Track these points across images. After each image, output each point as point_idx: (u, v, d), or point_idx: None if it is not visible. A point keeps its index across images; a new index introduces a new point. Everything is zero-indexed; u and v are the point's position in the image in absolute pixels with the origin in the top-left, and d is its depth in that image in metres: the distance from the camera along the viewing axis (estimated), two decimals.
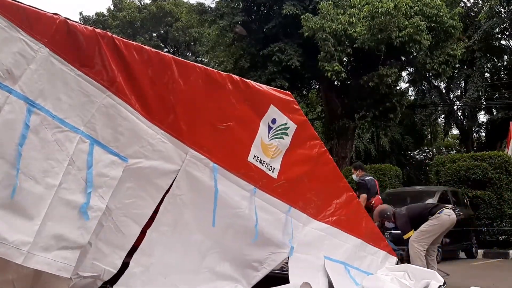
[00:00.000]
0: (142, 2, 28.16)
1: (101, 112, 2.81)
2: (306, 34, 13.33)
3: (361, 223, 4.92)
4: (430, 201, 9.06)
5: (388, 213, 5.82)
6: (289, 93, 4.35)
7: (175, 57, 3.34)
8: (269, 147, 3.95)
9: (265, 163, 3.89)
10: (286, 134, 4.11)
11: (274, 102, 4.00)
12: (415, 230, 5.61)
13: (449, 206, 5.81)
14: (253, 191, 3.78)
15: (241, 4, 15.70)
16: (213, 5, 16.99)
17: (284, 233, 4.05)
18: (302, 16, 13.45)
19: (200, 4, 17.49)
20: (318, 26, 13.04)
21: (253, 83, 3.94)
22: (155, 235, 3.21)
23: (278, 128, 4.04)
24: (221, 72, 3.67)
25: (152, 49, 3.19)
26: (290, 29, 14.54)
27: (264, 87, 4.08)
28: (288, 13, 13.82)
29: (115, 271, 2.98)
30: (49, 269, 2.53)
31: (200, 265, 3.53)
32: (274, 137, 4.00)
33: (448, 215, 5.55)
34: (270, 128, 3.97)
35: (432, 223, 5.50)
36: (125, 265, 3.11)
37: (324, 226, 4.42)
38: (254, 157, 3.80)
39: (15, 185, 2.35)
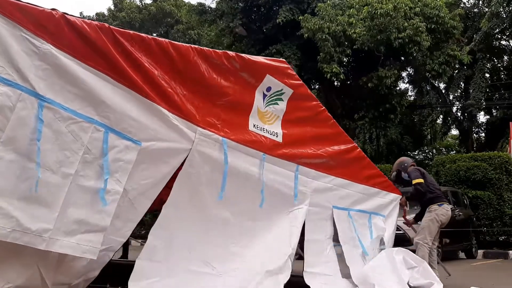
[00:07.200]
0: (142, 3, 28.19)
1: (111, 100, 2.89)
2: (306, 35, 13.34)
3: (364, 170, 5.22)
4: None
5: (406, 164, 6.02)
6: (284, 60, 4.48)
7: (171, 41, 3.41)
8: (265, 114, 4.11)
9: (265, 129, 4.06)
10: (281, 100, 4.26)
11: (270, 72, 4.12)
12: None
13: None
14: (262, 157, 3.94)
15: (241, 5, 15.71)
16: (213, 5, 17.04)
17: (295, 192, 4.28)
18: (301, 17, 13.46)
19: (201, 5, 17.51)
20: (317, 27, 13.06)
21: (248, 56, 4.05)
22: (171, 210, 3.31)
23: (272, 95, 4.18)
24: (217, 50, 3.77)
25: (149, 36, 3.26)
26: (289, 30, 14.55)
27: (260, 58, 4.19)
28: (282, 21, 13.84)
29: (124, 240, 3.20)
30: (74, 252, 2.66)
31: (226, 240, 3.67)
32: (268, 104, 4.15)
33: (446, 209, 5.70)
34: (264, 95, 4.12)
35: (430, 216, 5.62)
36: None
37: (331, 178, 4.70)
38: (254, 125, 3.96)
39: (38, 179, 2.47)
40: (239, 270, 3.62)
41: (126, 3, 27.54)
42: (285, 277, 3.76)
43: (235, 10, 15.56)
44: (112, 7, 28.18)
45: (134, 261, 3.13)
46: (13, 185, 2.41)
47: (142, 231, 11.42)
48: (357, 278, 4.59)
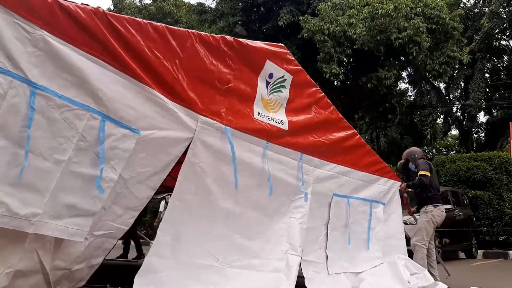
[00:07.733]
0: (142, 3, 28.18)
1: (108, 88, 2.83)
2: (306, 35, 13.34)
3: (364, 157, 5.20)
4: None
5: (416, 155, 5.94)
6: (283, 45, 4.36)
7: (168, 26, 3.29)
8: (269, 102, 4.03)
9: (270, 117, 3.98)
10: (284, 87, 4.18)
11: (270, 57, 4.03)
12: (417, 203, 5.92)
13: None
14: (266, 145, 3.87)
15: (241, 5, 15.71)
16: (213, 5, 17.03)
17: (298, 180, 4.22)
18: (301, 18, 13.46)
19: (200, 4, 17.50)
20: (317, 28, 13.04)
21: (247, 41, 3.93)
22: (178, 203, 3.27)
23: (276, 82, 4.10)
24: (215, 35, 3.67)
25: (145, 21, 3.15)
26: (289, 30, 14.55)
27: (259, 43, 4.07)
28: (284, 24, 13.88)
29: (127, 228, 3.17)
30: (61, 234, 2.68)
31: (231, 232, 3.61)
32: (272, 91, 4.07)
33: (441, 211, 5.70)
34: (268, 83, 4.02)
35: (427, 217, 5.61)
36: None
37: (332, 165, 4.67)
38: (259, 114, 3.89)
39: (23, 166, 2.46)
40: (242, 262, 3.60)
41: (126, 3, 27.51)
42: (284, 275, 3.64)
43: (235, 10, 15.56)
44: (112, 7, 28.16)
45: (134, 261, 3.15)
46: (3, 171, 2.41)
47: (142, 231, 11.44)
48: (333, 268, 4.53)
